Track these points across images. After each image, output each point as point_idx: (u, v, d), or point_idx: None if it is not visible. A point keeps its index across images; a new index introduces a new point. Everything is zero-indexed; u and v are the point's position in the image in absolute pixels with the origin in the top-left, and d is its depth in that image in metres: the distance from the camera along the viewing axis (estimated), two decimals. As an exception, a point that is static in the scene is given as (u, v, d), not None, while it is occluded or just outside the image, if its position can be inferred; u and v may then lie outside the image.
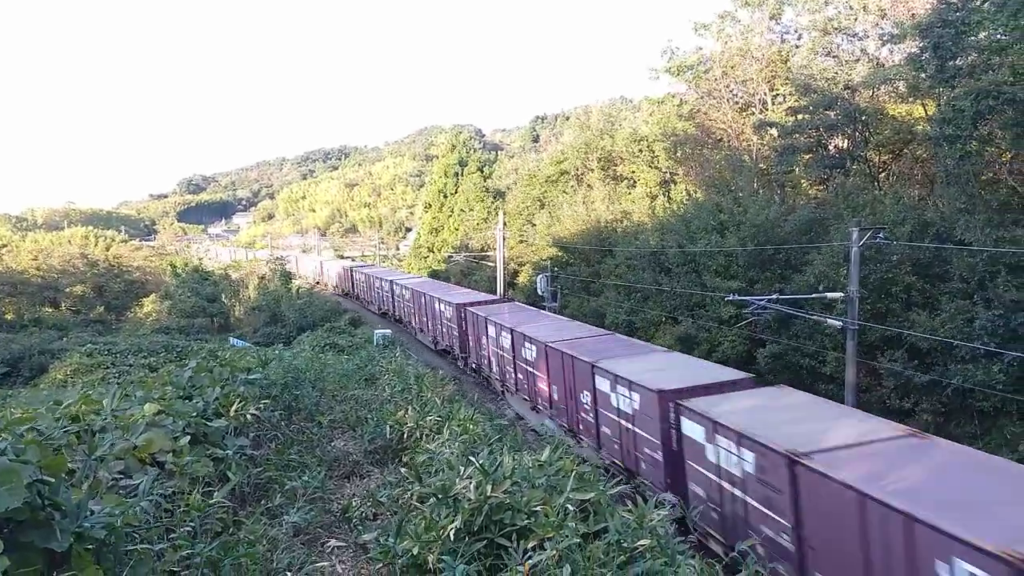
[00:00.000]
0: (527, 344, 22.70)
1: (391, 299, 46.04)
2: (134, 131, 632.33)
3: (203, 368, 10.00)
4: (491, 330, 26.55)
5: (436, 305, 34.75)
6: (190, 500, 5.46)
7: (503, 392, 26.30)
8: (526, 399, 23.33)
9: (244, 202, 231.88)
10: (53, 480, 3.88)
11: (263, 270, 66.86)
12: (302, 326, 45.85)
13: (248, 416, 8.16)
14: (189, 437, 6.78)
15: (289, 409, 11.00)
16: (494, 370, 26.74)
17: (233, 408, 8.02)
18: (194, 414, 7.45)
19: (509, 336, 24.26)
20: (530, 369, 22.57)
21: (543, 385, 21.53)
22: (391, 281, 46.68)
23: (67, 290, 63.54)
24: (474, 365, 29.73)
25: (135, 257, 77.80)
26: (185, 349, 34.87)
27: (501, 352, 25.47)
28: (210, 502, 5.45)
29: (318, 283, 72.03)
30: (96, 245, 78.57)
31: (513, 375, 24.36)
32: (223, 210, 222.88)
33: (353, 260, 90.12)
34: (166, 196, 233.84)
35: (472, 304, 30.67)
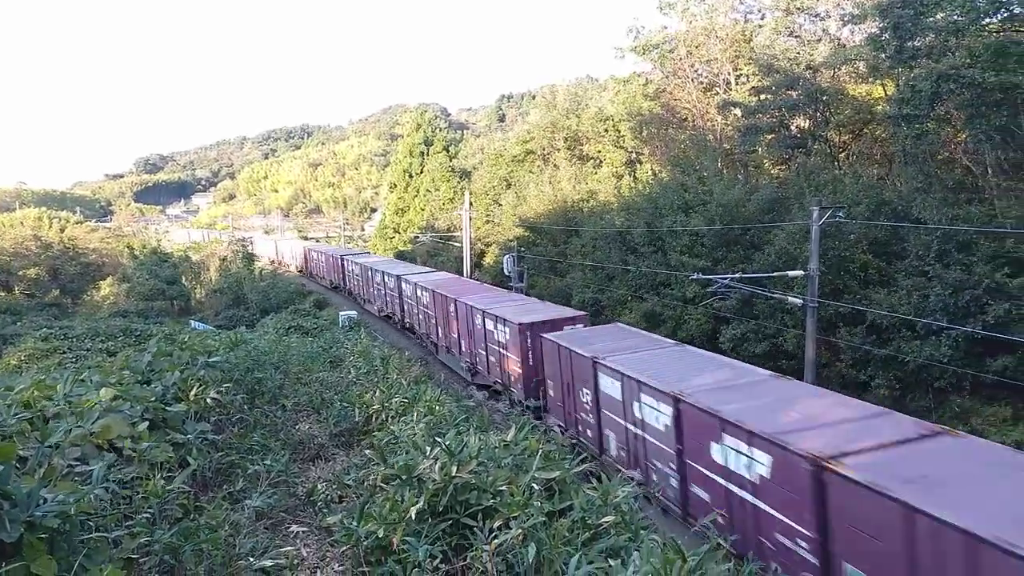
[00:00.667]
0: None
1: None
2: (88, 109, 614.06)
3: (163, 352, 9.80)
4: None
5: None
6: (149, 486, 5.36)
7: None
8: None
9: (204, 182, 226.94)
10: (1, 468, 3.77)
11: (224, 251, 65.68)
12: (265, 308, 45.25)
13: (208, 400, 8.03)
14: (148, 422, 6.65)
15: (252, 393, 10.84)
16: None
17: (193, 392, 7.88)
18: (153, 399, 7.31)
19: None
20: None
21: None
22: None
23: (20, 273, 61.64)
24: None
25: (91, 239, 75.64)
26: (144, 333, 34.12)
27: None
28: (169, 487, 5.35)
29: (274, 263, 71.68)
30: (50, 227, 76.18)
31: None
32: (182, 190, 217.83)
33: (316, 241, 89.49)
34: (122, 176, 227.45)
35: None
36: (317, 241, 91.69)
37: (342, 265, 50.11)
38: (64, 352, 30.98)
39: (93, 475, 4.67)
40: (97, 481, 4.55)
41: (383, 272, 39.35)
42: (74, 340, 33.87)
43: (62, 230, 75.29)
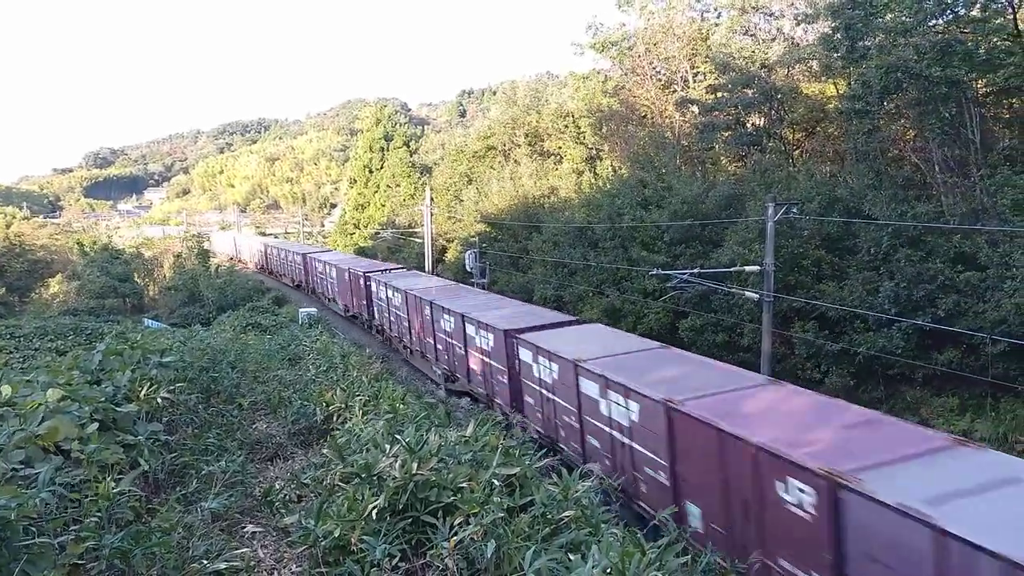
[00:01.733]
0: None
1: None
2: (35, 101, 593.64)
3: (113, 351, 9.53)
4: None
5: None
6: (99, 489, 5.20)
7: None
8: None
9: (156, 177, 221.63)
10: (-62, 474, 3.62)
11: (178, 248, 64.22)
12: (222, 306, 44.36)
13: (160, 400, 7.83)
14: (98, 423, 6.46)
15: (207, 392, 10.62)
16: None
17: (144, 392, 7.68)
18: (102, 399, 7.09)
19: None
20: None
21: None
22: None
23: (-37, 271, 59.48)
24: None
25: (39, 235, 73.35)
26: (96, 331, 33.18)
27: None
28: (118, 490, 5.20)
29: (232, 260, 70.67)
30: (-5, 223, 73.68)
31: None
32: (133, 185, 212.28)
33: (275, 237, 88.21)
34: (71, 171, 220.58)
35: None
36: (275, 237, 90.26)
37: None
38: (11, 352, 29.96)
39: (39, 478, 4.51)
40: (43, 484, 4.40)
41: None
42: (21, 339, 32.75)
43: (8, 226, 72.90)
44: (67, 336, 33.64)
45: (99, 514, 4.89)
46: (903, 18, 21.73)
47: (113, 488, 5.23)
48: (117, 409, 7.08)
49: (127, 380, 7.93)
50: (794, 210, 20.25)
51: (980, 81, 21.97)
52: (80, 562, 4.26)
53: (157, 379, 8.32)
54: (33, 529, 4.08)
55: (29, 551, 3.80)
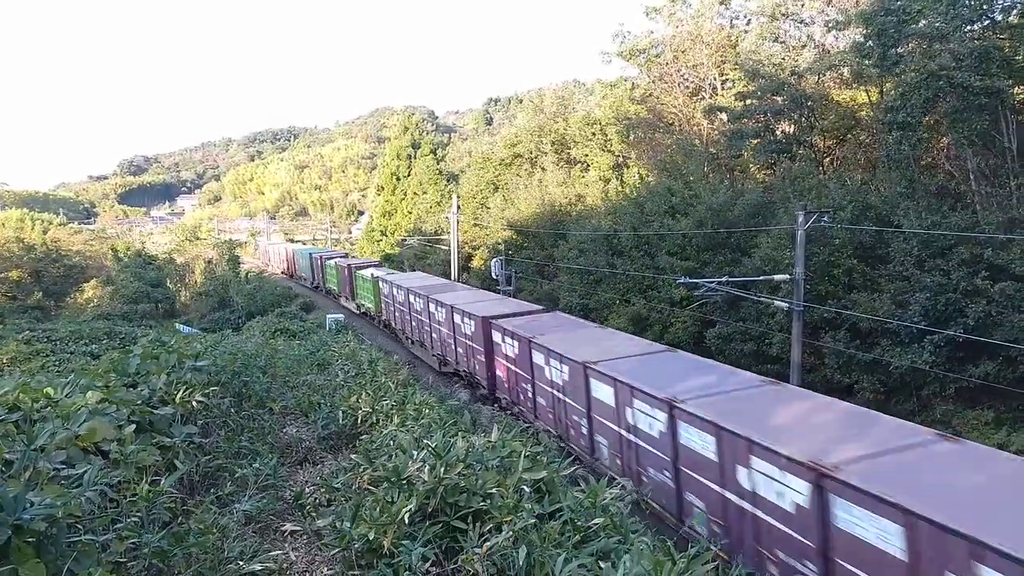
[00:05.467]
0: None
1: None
2: (72, 110, 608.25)
3: (149, 354, 9.72)
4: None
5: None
6: (137, 489, 5.32)
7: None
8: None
9: (189, 184, 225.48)
10: (-12, 472, 3.74)
11: (210, 254, 65.23)
12: (251, 311, 44.97)
13: (195, 403, 7.97)
14: (134, 425, 6.60)
15: (239, 396, 10.77)
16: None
17: (179, 395, 7.83)
18: (139, 402, 7.24)
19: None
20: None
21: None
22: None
23: (2, 276, 60.90)
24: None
25: (74, 241, 74.86)
26: (129, 335, 33.85)
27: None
28: (157, 490, 5.31)
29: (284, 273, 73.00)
30: (33, 229, 75.42)
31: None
32: (166, 192, 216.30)
33: (303, 244, 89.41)
34: (106, 178, 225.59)
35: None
36: (303, 244, 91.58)
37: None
38: (47, 355, 30.67)
39: (84, 478, 4.63)
40: (88, 484, 4.52)
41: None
42: (57, 343, 33.55)
43: (45, 232, 74.53)
44: (101, 340, 34.37)
45: (138, 514, 5.00)
46: (937, 24, 21.38)
47: (151, 489, 5.34)
48: (154, 412, 7.22)
49: (163, 383, 8.09)
50: (824, 218, 20.00)
51: (1017, 88, 21.54)
52: (121, 560, 4.36)
53: (192, 383, 8.46)
54: (78, 527, 4.19)
55: (74, 549, 3.91)
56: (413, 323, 31.49)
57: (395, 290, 34.71)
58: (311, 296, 55.35)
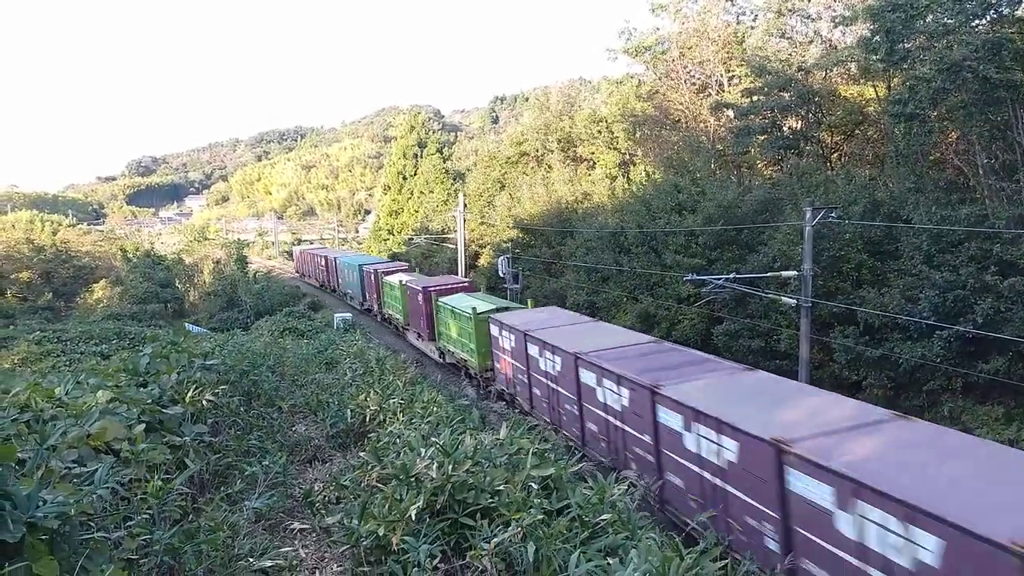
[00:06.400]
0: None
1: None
2: (80, 111, 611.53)
3: (159, 354, 9.78)
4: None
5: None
6: (148, 487, 5.36)
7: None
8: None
9: (197, 184, 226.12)
10: (1, 469, 3.78)
11: (218, 254, 65.49)
12: (260, 311, 45.16)
13: (205, 402, 8.03)
14: (145, 424, 6.65)
15: (248, 395, 10.85)
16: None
17: (189, 394, 7.88)
18: (149, 401, 7.30)
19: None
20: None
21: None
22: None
23: (12, 277, 61.35)
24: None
25: (84, 242, 75.31)
26: (138, 335, 34.04)
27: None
28: (168, 487, 5.36)
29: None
30: (42, 230, 75.80)
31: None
32: (174, 193, 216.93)
33: (311, 243, 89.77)
34: (115, 179, 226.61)
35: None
36: (311, 243, 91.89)
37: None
38: (58, 355, 30.88)
39: (96, 476, 4.68)
40: (99, 482, 4.56)
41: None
42: (67, 343, 33.77)
43: (54, 233, 74.94)
44: (110, 340, 34.58)
45: (149, 512, 5.05)
46: (945, 19, 21.24)
47: (162, 487, 5.39)
48: (164, 411, 7.28)
49: (173, 382, 8.15)
50: (832, 214, 19.92)
51: (1027, 81, 21.35)
52: (133, 557, 4.41)
53: (201, 382, 8.52)
54: (90, 525, 4.24)
55: (87, 546, 3.95)
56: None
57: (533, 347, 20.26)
58: (318, 295, 55.50)
